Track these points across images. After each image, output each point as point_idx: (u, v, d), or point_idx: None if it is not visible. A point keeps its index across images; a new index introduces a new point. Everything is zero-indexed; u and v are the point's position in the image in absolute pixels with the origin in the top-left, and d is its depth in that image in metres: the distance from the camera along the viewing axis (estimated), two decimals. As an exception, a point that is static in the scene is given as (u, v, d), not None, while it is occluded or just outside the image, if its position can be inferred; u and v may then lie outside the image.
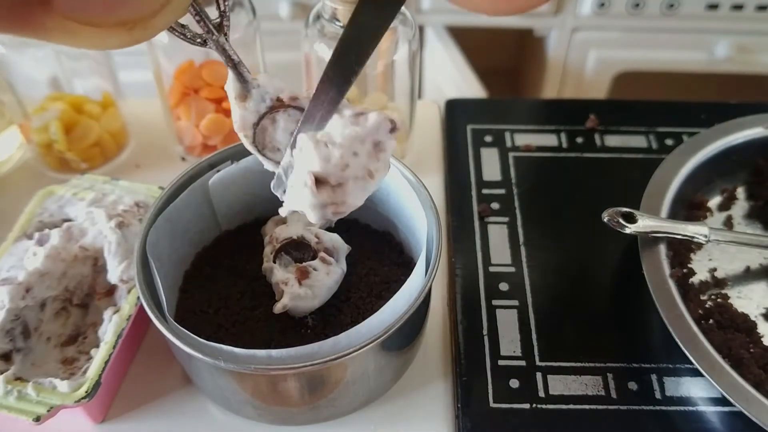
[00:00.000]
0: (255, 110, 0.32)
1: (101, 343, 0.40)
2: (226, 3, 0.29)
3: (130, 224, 0.44)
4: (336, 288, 0.41)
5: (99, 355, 0.39)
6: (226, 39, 0.30)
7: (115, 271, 0.42)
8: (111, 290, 0.44)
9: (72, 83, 0.56)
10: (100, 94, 0.57)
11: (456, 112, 0.62)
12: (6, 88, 0.53)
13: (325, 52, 0.51)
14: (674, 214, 0.48)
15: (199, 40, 0.29)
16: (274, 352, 0.34)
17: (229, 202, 0.45)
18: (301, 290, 0.38)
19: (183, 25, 0.28)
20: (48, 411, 0.37)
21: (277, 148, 0.33)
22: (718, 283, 0.48)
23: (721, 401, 0.42)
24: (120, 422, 0.42)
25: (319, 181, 0.29)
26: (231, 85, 0.32)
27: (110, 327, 0.41)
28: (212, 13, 0.29)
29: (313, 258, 0.41)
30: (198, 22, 0.28)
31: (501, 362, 0.44)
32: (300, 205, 0.30)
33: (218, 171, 0.44)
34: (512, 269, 0.50)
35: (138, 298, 0.41)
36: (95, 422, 0.42)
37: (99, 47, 0.20)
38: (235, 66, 0.31)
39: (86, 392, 0.38)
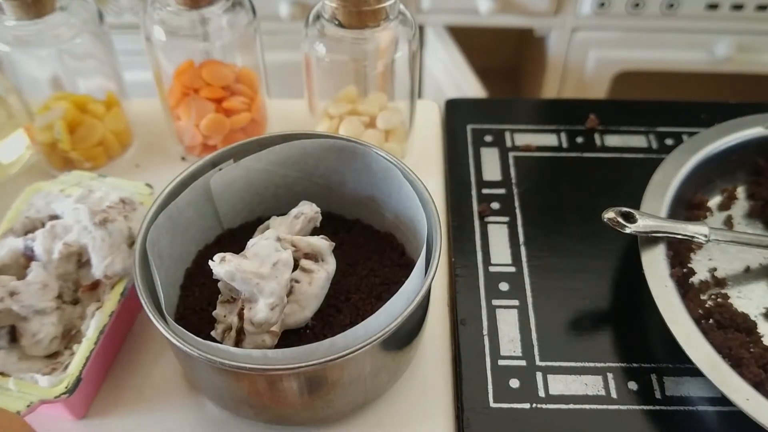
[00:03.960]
0: None
1: (83, 339, 0.40)
2: None
3: (115, 220, 0.43)
4: (325, 292, 0.40)
5: (80, 351, 0.39)
6: None
7: (99, 267, 0.42)
8: (95, 285, 0.43)
9: (76, 83, 0.56)
10: (104, 94, 0.57)
11: (456, 112, 0.62)
12: (12, 90, 0.53)
13: (325, 51, 0.51)
14: (674, 214, 0.48)
15: None
16: (270, 351, 0.34)
17: (231, 201, 0.45)
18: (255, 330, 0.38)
19: None
20: (28, 406, 0.37)
21: None
22: (718, 282, 0.48)
23: (721, 401, 0.42)
24: (102, 418, 0.42)
25: None
26: None
27: (92, 323, 0.40)
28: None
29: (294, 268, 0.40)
30: None
31: (501, 362, 0.44)
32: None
33: (220, 169, 0.44)
34: (512, 269, 0.50)
35: (121, 294, 0.41)
36: (77, 418, 0.42)
37: None
38: None
39: (66, 388, 0.38)
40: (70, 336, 0.42)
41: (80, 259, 0.43)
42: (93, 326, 0.40)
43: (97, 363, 0.42)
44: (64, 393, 0.38)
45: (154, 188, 0.48)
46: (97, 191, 0.46)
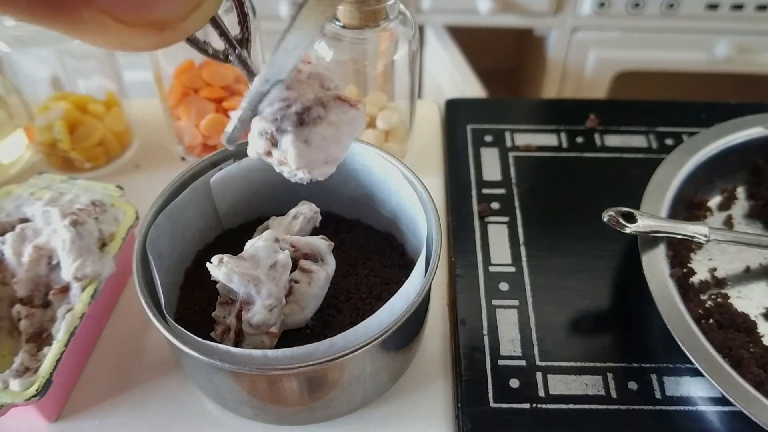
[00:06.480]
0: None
1: (54, 342, 0.40)
2: (247, 16, 0.29)
3: (85, 222, 0.43)
4: (324, 292, 0.40)
5: (51, 354, 0.39)
6: (248, 54, 0.29)
7: (69, 269, 0.42)
8: (66, 288, 0.43)
9: (76, 83, 0.56)
10: (104, 94, 0.57)
11: (456, 112, 0.62)
12: (12, 90, 0.53)
13: (325, 51, 0.51)
14: (674, 214, 0.48)
15: (221, 55, 0.29)
16: (270, 352, 0.34)
17: (231, 201, 0.45)
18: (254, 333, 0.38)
19: (206, 41, 0.28)
20: None
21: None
22: (718, 282, 0.48)
23: (721, 401, 0.42)
24: (74, 421, 0.42)
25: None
26: None
27: (63, 325, 0.40)
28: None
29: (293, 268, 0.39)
30: (219, 36, 0.28)
31: (501, 362, 0.44)
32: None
33: (220, 169, 0.44)
34: (512, 269, 0.50)
35: (92, 296, 0.41)
36: (49, 421, 0.42)
37: (127, 47, 0.20)
38: None
39: (37, 390, 0.38)
40: (41, 339, 0.42)
41: (50, 262, 0.43)
42: (63, 329, 0.40)
43: (69, 365, 0.42)
44: (34, 396, 0.37)
45: (124, 190, 0.48)
46: (68, 194, 0.46)
